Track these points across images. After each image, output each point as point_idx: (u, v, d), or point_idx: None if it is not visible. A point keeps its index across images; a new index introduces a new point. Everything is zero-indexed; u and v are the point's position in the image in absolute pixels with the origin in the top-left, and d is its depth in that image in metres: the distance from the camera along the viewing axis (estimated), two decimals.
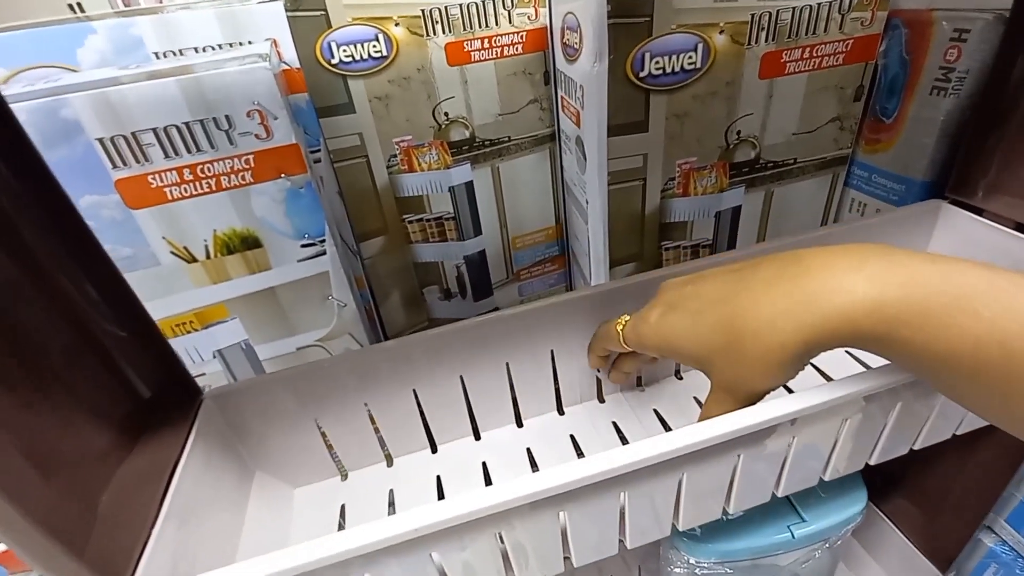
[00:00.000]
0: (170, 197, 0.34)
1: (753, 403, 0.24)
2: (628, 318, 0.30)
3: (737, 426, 0.23)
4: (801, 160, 0.48)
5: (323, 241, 0.40)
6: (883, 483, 0.52)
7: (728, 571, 0.41)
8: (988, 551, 0.47)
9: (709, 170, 0.47)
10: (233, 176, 0.35)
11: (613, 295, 0.36)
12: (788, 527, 0.40)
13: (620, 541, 0.29)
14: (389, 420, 0.36)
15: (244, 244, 0.37)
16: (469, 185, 0.56)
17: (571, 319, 0.36)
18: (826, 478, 0.31)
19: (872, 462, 0.31)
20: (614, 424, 0.38)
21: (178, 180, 0.34)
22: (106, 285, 0.27)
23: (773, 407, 0.24)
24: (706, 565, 0.41)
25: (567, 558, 0.27)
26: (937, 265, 0.19)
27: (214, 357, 0.41)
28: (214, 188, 0.35)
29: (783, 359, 0.21)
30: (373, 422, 0.35)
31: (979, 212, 0.36)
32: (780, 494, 0.30)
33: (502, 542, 0.24)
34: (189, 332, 0.39)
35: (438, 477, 0.36)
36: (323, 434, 0.35)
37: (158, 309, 0.38)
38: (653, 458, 0.23)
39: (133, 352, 0.28)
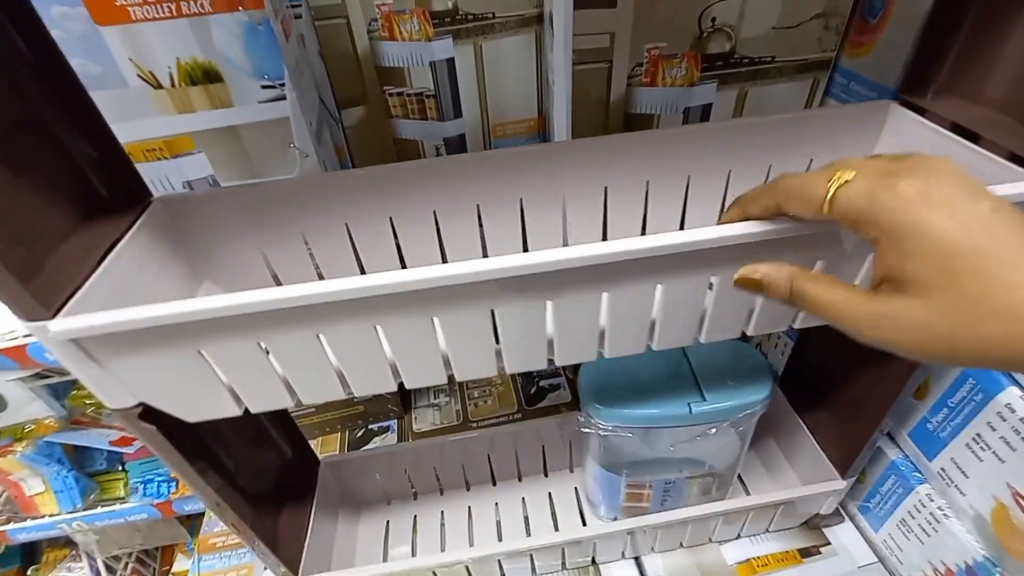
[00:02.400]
0: (134, 17, 0.36)
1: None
2: (848, 176, 0.22)
3: (660, 243, 0.25)
4: (780, 59, 0.47)
5: (283, 85, 0.42)
6: (805, 392, 0.54)
7: (628, 435, 0.45)
8: (890, 463, 0.49)
9: (680, 59, 0.46)
10: (192, 2, 0.36)
11: (582, 148, 0.37)
12: (688, 404, 0.43)
13: (549, 360, 0.32)
14: (326, 249, 0.39)
15: (206, 76, 0.40)
16: (450, 62, 0.56)
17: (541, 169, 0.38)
18: (749, 331, 0.32)
19: (796, 325, 0.32)
20: None
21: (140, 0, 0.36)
22: (61, 84, 0.30)
23: (699, 232, 0.25)
24: (610, 428, 0.44)
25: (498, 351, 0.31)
26: None
27: (184, 188, 0.45)
28: (174, 13, 0.36)
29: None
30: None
31: (922, 112, 0.35)
32: (703, 339, 0.32)
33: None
34: (159, 159, 0.43)
35: None
36: (266, 260, 0.38)
37: (127, 132, 0.41)
38: (575, 260, 0.25)
39: (87, 149, 0.31)
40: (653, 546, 0.54)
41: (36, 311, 0.25)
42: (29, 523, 0.72)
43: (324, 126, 0.53)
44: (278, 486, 0.50)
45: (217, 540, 0.60)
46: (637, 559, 0.55)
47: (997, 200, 0.19)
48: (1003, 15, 0.30)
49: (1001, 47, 0.31)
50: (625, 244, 0.26)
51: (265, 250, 0.38)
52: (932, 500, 0.45)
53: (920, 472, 0.47)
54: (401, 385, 0.31)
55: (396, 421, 0.71)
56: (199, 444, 0.36)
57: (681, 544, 0.54)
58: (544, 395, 0.73)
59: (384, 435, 0.70)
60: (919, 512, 0.47)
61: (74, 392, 0.69)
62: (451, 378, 0.32)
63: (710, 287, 0.30)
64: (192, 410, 0.30)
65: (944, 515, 0.44)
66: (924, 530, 0.46)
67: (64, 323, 0.25)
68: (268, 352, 0.29)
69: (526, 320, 0.29)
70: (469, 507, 0.60)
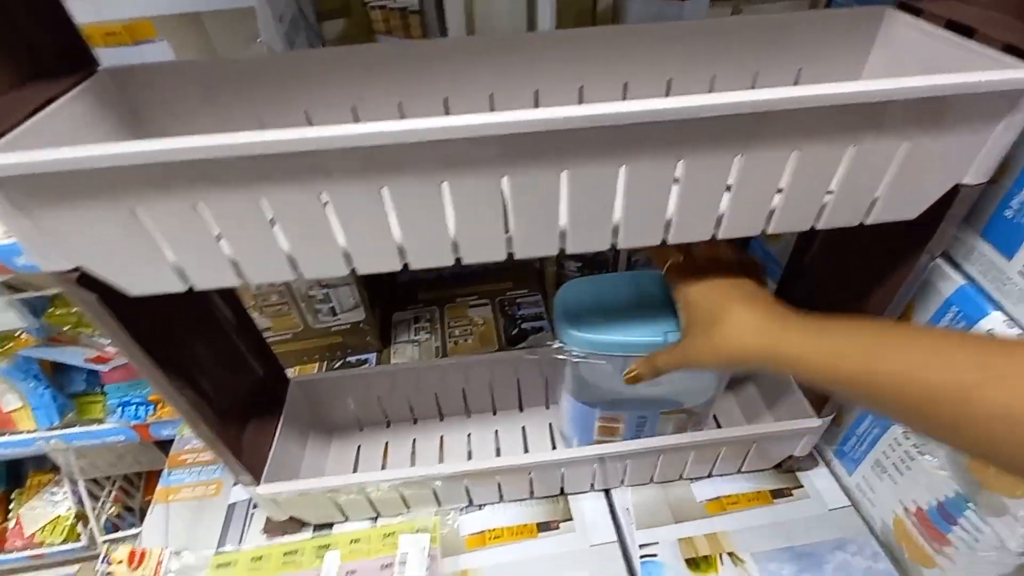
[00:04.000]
0: None
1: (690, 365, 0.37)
2: (674, 259, 0.39)
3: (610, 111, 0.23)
4: None
5: None
6: None
7: (602, 363, 0.43)
8: None
9: None
10: None
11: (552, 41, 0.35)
12: (664, 332, 0.41)
13: (509, 254, 0.30)
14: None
15: None
16: None
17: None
18: (720, 235, 0.30)
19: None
20: None
21: None
22: None
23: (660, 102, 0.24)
24: (583, 355, 0.43)
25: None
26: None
27: None
28: None
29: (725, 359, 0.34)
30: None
31: (919, 14, 0.33)
32: (671, 240, 0.30)
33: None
34: (120, 45, 0.41)
35: None
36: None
37: (85, 11, 0.39)
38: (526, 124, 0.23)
39: (31, 12, 0.29)
40: (623, 479, 0.53)
41: None
42: (7, 438, 0.72)
43: (300, 32, 0.51)
44: (247, 400, 0.49)
45: (187, 456, 0.60)
46: (607, 492, 0.54)
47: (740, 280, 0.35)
48: None
49: None
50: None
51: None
52: (908, 438, 0.44)
53: None
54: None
55: (375, 355, 0.71)
56: (155, 331, 0.35)
57: (652, 479, 0.54)
58: (526, 336, 0.72)
59: (362, 368, 0.69)
60: (893, 451, 0.46)
61: (51, 309, 0.68)
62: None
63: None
64: (131, 280, 0.29)
65: (919, 452, 0.43)
66: (897, 469, 0.45)
67: None
68: (220, 234, 0.27)
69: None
70: (442, 436, 0.59)
